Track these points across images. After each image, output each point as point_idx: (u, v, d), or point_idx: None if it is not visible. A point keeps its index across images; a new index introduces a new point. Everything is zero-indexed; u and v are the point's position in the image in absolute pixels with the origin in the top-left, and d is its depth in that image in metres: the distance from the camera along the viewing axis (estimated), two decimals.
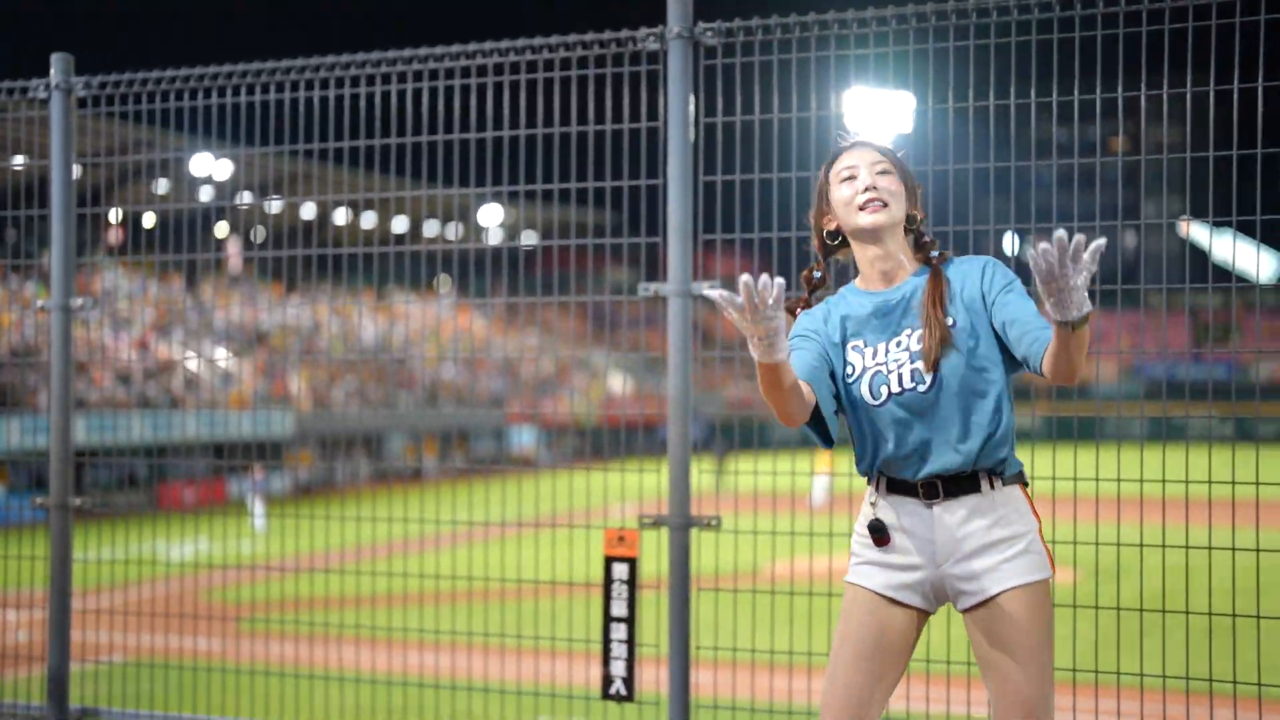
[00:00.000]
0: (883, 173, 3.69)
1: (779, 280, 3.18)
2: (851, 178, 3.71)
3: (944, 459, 3.59)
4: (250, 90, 6.18)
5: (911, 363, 3.59)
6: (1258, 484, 4.94)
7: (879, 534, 3.66)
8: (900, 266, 3.73)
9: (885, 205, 3.67)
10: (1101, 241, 3.08)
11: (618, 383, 51.68)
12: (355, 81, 6.02)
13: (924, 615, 3.70)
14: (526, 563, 6.39)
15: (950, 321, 3.60)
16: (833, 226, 3.81)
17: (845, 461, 5.45)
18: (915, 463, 3.62)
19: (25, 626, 14.98)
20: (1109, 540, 5.07)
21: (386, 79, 5.96)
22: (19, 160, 7.49)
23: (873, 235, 3.70)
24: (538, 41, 5.62)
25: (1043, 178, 6.18)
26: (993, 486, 3.59)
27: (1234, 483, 4.91)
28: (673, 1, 5.35)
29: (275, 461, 33.18)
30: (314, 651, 6.65)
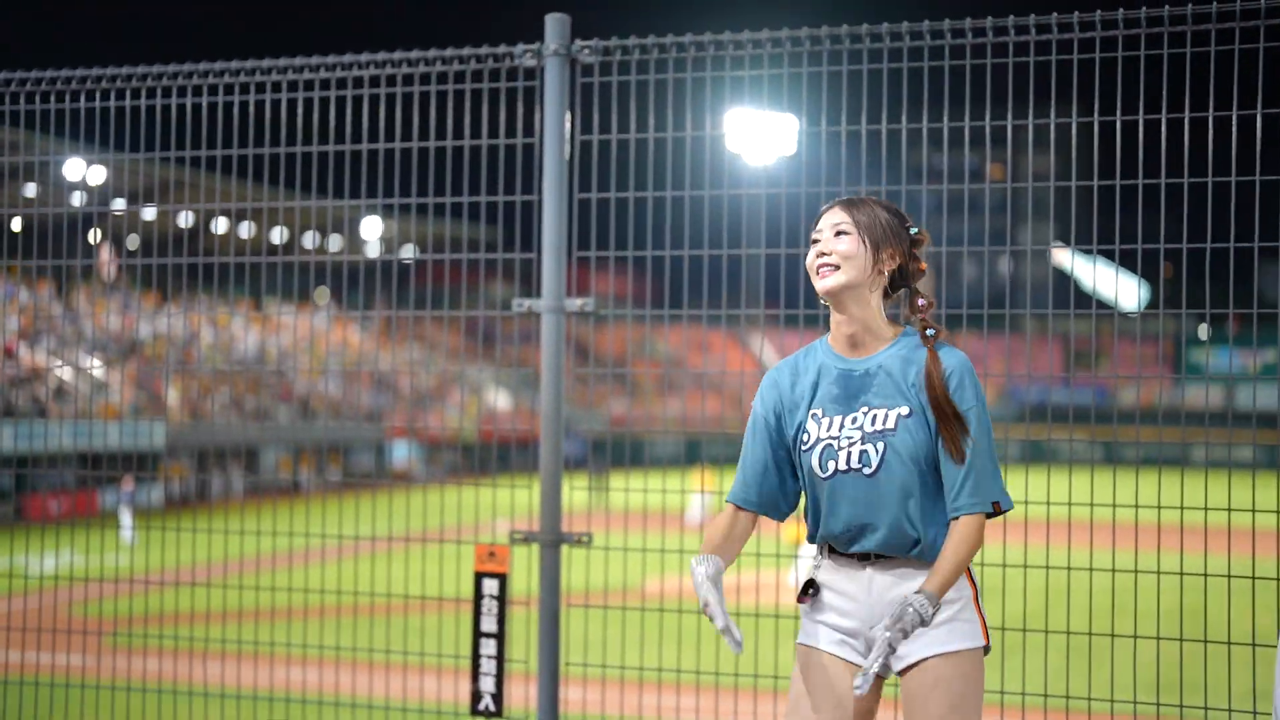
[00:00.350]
0: (839, 234, 3.64)
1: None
2: (816, 240, 3.69)
3: (879, 539, 3.60)
4: (124, 95, 6.09)
5: (862, 443, 3.59)
6: (1115, 506, 5.08)
7: (805, 592, 3.71)
8: (869, 334, 3.69)
9: (836, 268, 3.63)
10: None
11: (496, 398, 51.52)
12: (231, 90, 5.96)
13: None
14: (398, 578, 6.35)
15: (908, 411, 3.59)
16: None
17: (719, 480, 5.50)
18: (853, 537, 3.63)
19: None
20: (976, 561, 5.16)
21: (263, 88, 5.90)
22: None
23: (833, 300, 3.67)
24: (415, 55, 5.61)
25: (920, 202, 6.28)
26: (925, 556, 3.59)
27: (1092, 504, 5.04)
28: (550, 19, 5.37)
29: (147, 473, 32.62)
30: (184, 667, 6.55)
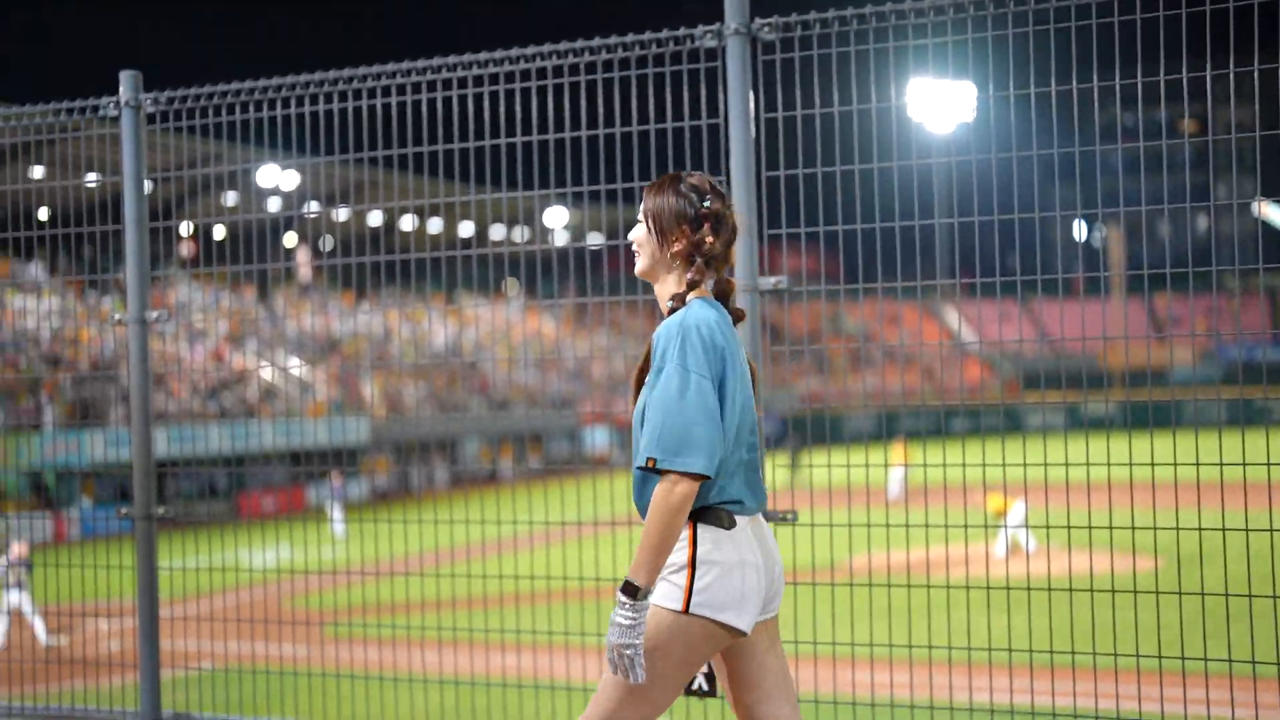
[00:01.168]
0: (638, 223, 3.98)
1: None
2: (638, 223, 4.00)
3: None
4: (314, 100, 6.24)
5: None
6: None
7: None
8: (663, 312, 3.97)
9: (637, 258, 3.99)
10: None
11: None
12: (418, 88, 6.07)
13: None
14: (604, 561, 6.42)
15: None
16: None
17: (920, 454, 5.43)
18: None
19: (116, 635, 15.21)
20: (1190, 525, 5.03)
21: (448, 84, 6.00)
22: (92, 178, 7.61)
23: (648, 280, 4.02)
24: (597, 43, 5.64)
25: (1110, 163, 6.11)
26: None
27: None
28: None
29: (352, 468, 33.48)
30: (397, 655, 6.72)
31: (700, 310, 3.80)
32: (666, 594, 3.67)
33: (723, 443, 3.68)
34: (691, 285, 3.90)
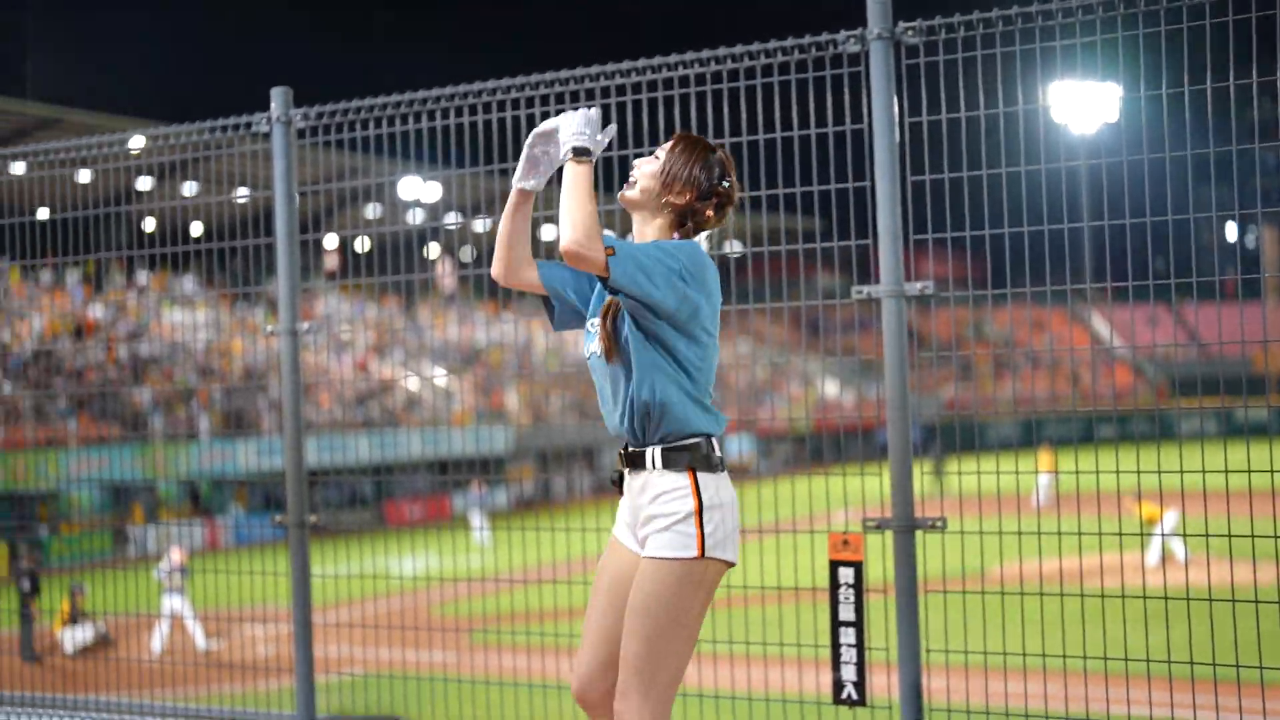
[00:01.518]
0: (654, 157, 4.10)
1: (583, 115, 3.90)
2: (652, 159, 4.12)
3: (612, 423, 4.00)
4: (459, 113, 6.32)
5: (594, 329, 4.03)
6: None
7: (615, 484, 4.08)
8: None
9: (633, 185, 4.11)
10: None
11: (830, 388, 51.36)
12: (560, 99, 6.12)
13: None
14: (751, 569, 6.41)
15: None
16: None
17: (1069, 461, 5.34)
18: (611, 421, 4.02)
19: (268, 640, 15.53)
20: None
21: (588, 95, 6.04)
22: (243, 192, 7.80)
23: (630, 211, 4.14)
24: (739, 50, 5.63)
25: (1266, 161, 5.96)
26: (655, 465, 3.90)
27: None
28: (872, 3, 5.31)
29: (496, 476, 33.81)
30: (544, 662, 6.77)
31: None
32: (678, 544, 3.85)
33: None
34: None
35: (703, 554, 3.85)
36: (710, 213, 4.07)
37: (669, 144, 4.11)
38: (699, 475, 3.89)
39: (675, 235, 4.07)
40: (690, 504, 3.86)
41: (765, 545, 6.05)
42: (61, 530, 26.18)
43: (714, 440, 3.98)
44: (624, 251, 3.79)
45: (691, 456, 3.90)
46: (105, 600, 11.13)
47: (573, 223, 3.74)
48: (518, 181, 4.08)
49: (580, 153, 3.91)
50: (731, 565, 3.95)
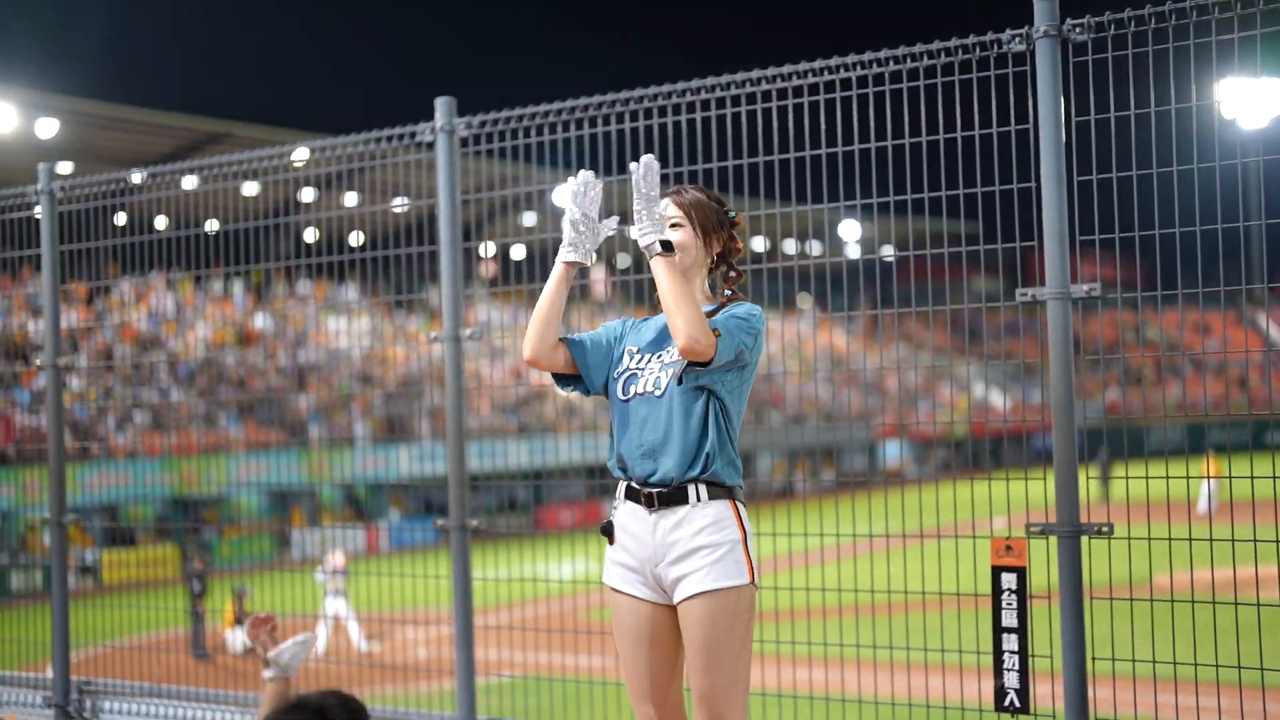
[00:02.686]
0: (674, 226, 4.22)
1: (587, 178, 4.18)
2: (675, 226, 4.24)
3: (650, 465, 4.10)
4: (620, 120, 6.35)
5: (659, 372, 4.16)
6: None
7: (607, 533, 4.20)
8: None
9: (675, 263, 4.20)
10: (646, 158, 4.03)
11: (984, 392, 50.60)
12: (707, 105, 6.11)
13: (665, 607, 4.14)
14: (903, 574, 6.34)
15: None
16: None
17: (1231, 467, 5.19)
18: (637, 461, 4.13)
19: (427, 643, 15.77)
20: None
21: (736, 101, 6.02)
22: (399, 201, 7.92)
23: None
24: (901, 51, 5.57)
25: None
26: (699, 499, 4.06)
27: None
28: (1040, 1, 5.21)
29: None
30: None
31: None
32: (734, 572, 4.03)
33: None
34: (734, 280, 4.36)
35: (753, 580, 4.08)
36: (738, 244, 4.34)
37: (672, 210, 4.28)
38: (738, 505, 4.12)
39: (733, 277, 4.37)
40: (737, 533, 4.08)
41: (926, 550, 5.98)
42: (226, 533, 26.88)
43: None
44: (725, 332, 4.05)
45: (730, 489, 4.12)
46: (269, 602, 11.41)
47: (686, 322, 3.97)
48: (564, 256, 4.31)
49: (665, 247, 4.15)
50: (605, 586, 4.24)
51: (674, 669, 4.22)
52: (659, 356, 4.22)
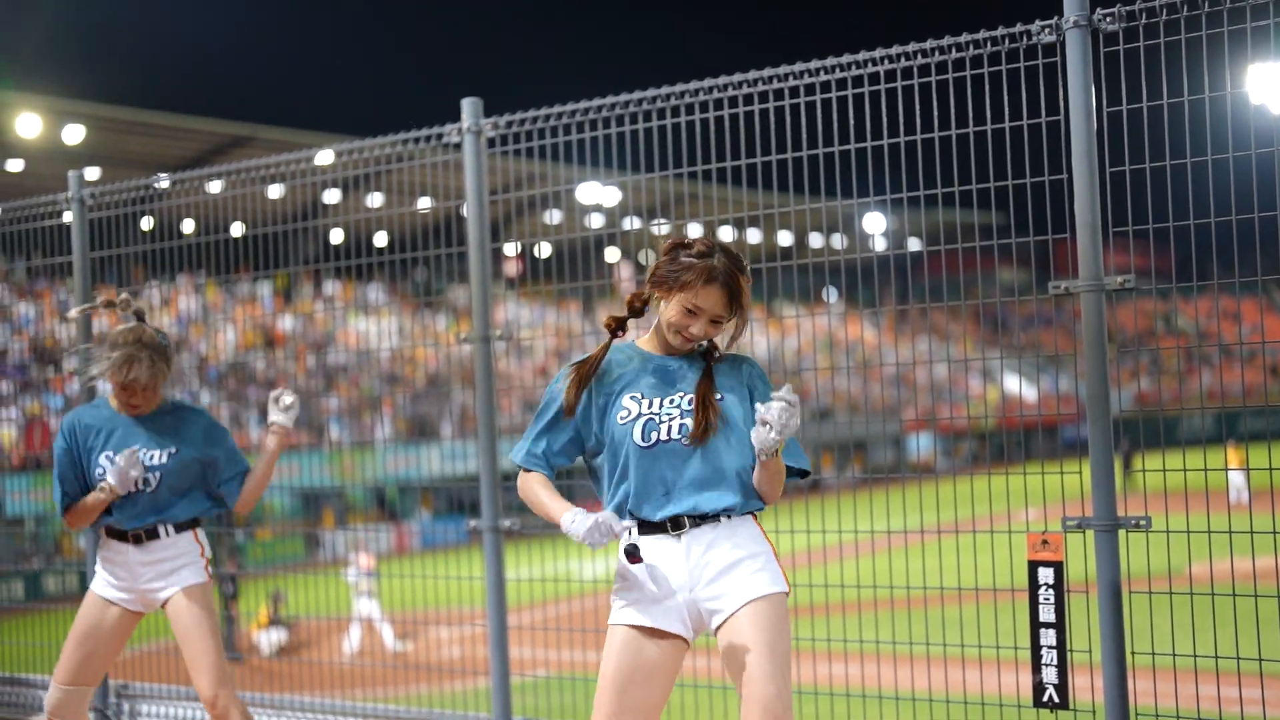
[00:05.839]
0: (714, 322, 4.20)
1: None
2: (694, 314, 4.17)
3: (688, 502, 4.10)
4: (648, 118, 6.33)
5: (681, 418, 4.14)
6: None
7: (633, 554, 4.06)
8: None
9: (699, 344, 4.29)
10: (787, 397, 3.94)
11: (1014, 385, 50.42)
12: (734, 102, 6.10)
13: (683, 643, 4.17)
14: (940, 568, 6.31)
15: (719, 396, 4.19)
16: (653, 305, 4.30)
17: (1262, 457, 5.14)
18: (660, 501, 4.12)
19: (457, 642, 15.79)
20: None
21: (767, 97, 6.01)
22: (424, 202, 7.92)
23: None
24: (929, 44, 5.53)
25: None
26: (729, 518, 4.13)
27: None
28: None
29: None
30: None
31: None
32: (778, 578, 4.13)
33: None
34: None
35: (789, 587, 4.18)
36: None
37: (720, 307, 4.24)
38: (760, 521, 4.24)
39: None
40: (767, 545, 4.18)
41: (962, 544, 5.95)
42: (256, 535, 26.96)
43: None
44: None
45: (757, 510, 4.24)
46: (300, 603, 11.42)
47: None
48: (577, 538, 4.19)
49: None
50: (615, 626, 4.22)
51: (661, 709, 4.25)
52: (671, 400, 4.21)
